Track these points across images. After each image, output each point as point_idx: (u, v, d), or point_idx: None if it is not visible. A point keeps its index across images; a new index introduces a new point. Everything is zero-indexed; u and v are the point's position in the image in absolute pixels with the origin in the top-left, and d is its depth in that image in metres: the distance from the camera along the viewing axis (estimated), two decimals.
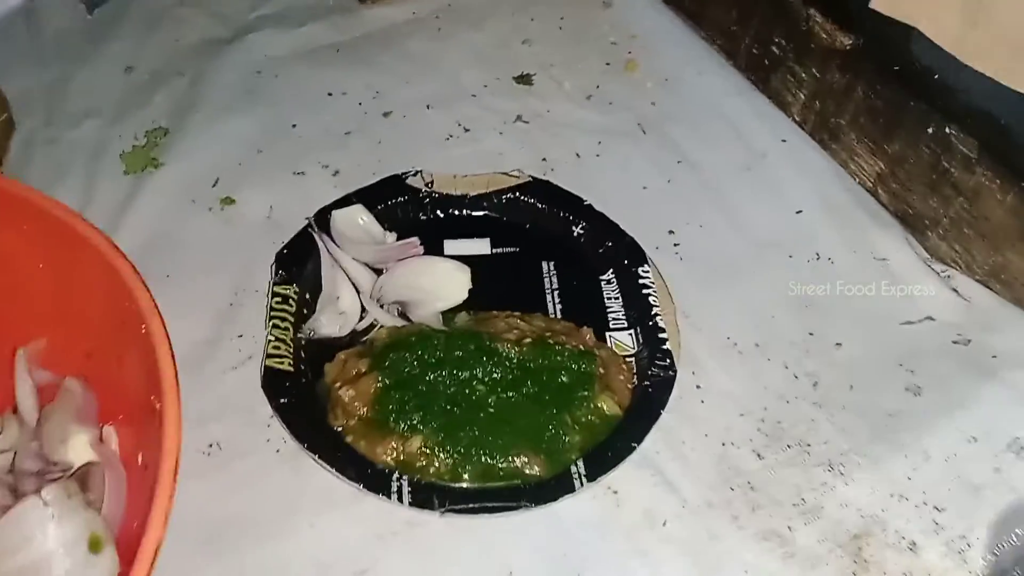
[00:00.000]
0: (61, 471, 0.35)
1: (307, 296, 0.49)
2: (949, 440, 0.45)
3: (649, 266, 0.51)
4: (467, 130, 0.61)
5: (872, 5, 0.51)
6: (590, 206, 0.54)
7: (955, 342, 0.50)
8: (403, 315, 0.49)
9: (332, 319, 0.48)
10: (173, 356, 0.31)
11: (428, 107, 0.62)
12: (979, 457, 0.44)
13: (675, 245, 0.54)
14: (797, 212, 0.57)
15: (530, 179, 0.55)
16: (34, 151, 0.56)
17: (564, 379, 0.45)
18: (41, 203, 0.36)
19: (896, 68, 0.54)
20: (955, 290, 0.52)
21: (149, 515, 0.27)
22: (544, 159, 0.59)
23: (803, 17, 0.59)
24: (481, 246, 0.53)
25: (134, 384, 0.35)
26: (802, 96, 0.61)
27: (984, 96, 0.50)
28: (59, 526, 0.32)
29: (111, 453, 0.36)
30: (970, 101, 0.51)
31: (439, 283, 0.49)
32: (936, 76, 0.53)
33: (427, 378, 0.45)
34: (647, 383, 0.46)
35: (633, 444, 0.44)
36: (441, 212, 0.54)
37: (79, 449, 0.35)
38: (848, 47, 0.57)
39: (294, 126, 0.60)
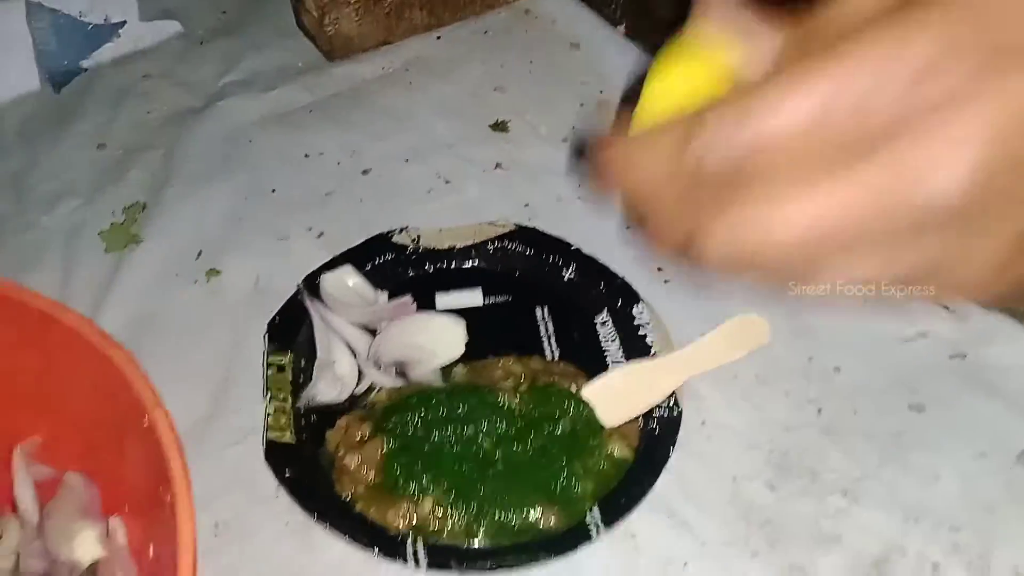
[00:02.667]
0: (68, 571, 0.34)
1: (302, 363, 0.49)
2: (958, 457, 0.45)
3: (642, 305, 0.51)
4: (447, 182, 0.61)
5: None
6: (578, 250, 0.54)
7: (952, 357, 0.50)
8: (401, 374, 0.49)
9: (330, 385, 0.47)
10: (180, 448, 0.31)
11: (406, 161, 0.62)
12: (990, 473, 0.44)
13: (665, 282, 0.54)
14: None
15: (515, 227, 0.55)
16: (7, 238, 0.55)
17: (568, 426, 0.45)
18: (24, 298, 0.36)
19: None
20: (945, 306, 0.53)
21: None
22: (526, 204, 0.59)
23: None
24: (473, 297, 0.53)
25: (138, 476, 0.34)
26: None
27: None
28: None
29: (120, 548, 0.35)
30: None
31: (435, 339, 0.49)
32: None
33: (432, 438, 0.44)
34: (653, 425, 0.46)
35: (646, 488, 0.43)
36: (430, 267, 0.54)
37: (87, 545, 0.34)
38: None
39: (273, 191, 0.59)
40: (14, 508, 0.38)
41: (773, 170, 0.21)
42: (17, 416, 0.38)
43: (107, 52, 0.68)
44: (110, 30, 0.70)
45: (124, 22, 0.70)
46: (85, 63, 0.67)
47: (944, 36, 0.20)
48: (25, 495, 0.37)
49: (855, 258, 0.22)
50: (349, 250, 0.53)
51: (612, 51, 0.71)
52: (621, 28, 0.73)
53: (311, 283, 0.51)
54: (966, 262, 0.22)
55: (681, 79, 0.26)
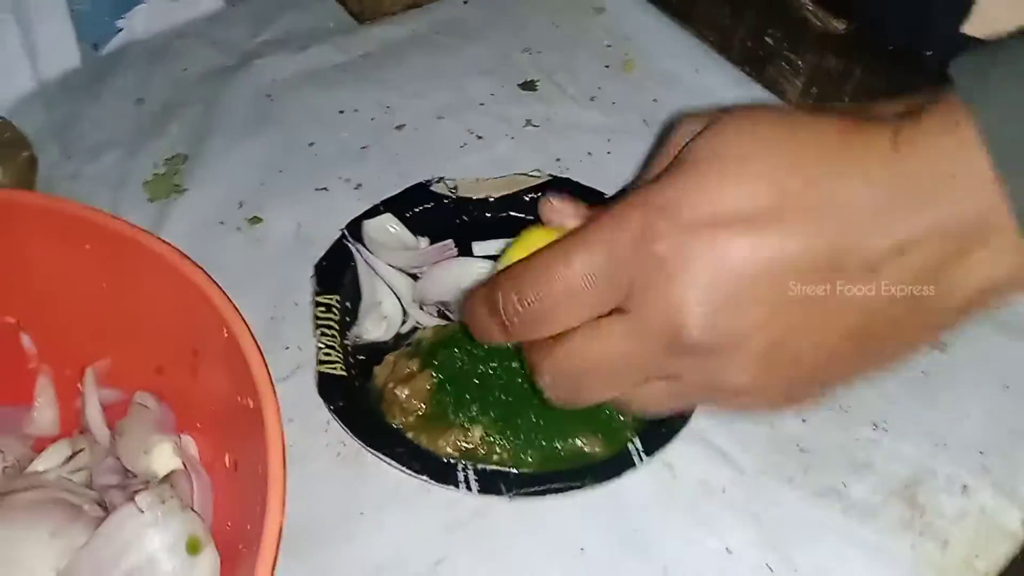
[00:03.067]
0: (143, 481, 0.36)
1: (347, 305, 0.50)
2: (982, 390, 0.47)
3: None
4: (479, 137, 0.62)
5: (966, 30, 0.53)
6: (612, 199, 0.56)
7: None
8: (443, 315, 0.50)
9: (376, 324, 0.49)
10: (262, 354, 0.32)
11: (439, 118, 0.63)
12: (1014, 404, 0.46)
13: None
14: None
15: (550, 177, 0.57)
16: (56, 185, 0.56)
17: None
18: (102, 221, 0.37)
19: (891, 48, 0.57)
20: None
21: (267, 500, 0.28)
22: (558, 159, 0.61)
23: (795, 6, 0.62)
24: (503, 244, 0.54)
25: (214, 390, 0.36)
26: (799, 83, 0.64)
27: None
28: (157, 531, 0.32)
29: (193, 459, 0.36)
30: None
31: (474, 282, 0.51)
32: (930, 53, 0.55)
33: (479, 371, 0.46)
34: None
35: (684, 419, 0.45)
36: (467, 215, 0.55)
37: (163, 458, 0.36)
38: (842, 31, 0.59)
39: (311, 144, 0.61)
40: (81, 431, 0.40)
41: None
42: (86, 340, 0.39)
43: (140, 12, 0.69)
44: None
45: None
46: (120, 23, 0.68)
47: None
48: (95, 414, 0.38)
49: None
50: (389, 198, 0.55)
51: (635, 15, 0.72)
52: None
53: (354, 229, 0.53)
54: None
55: (527, 248, 0.34)
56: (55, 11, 0.66)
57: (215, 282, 0.35)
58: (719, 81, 0.67)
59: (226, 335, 0.33)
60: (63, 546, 0.32)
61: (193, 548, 0.32)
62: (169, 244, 0.36)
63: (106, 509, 0.35)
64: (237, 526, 0.33)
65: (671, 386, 0.33)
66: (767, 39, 0.65)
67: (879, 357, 0.32)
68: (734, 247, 0.29)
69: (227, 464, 0.35)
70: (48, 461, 0.37)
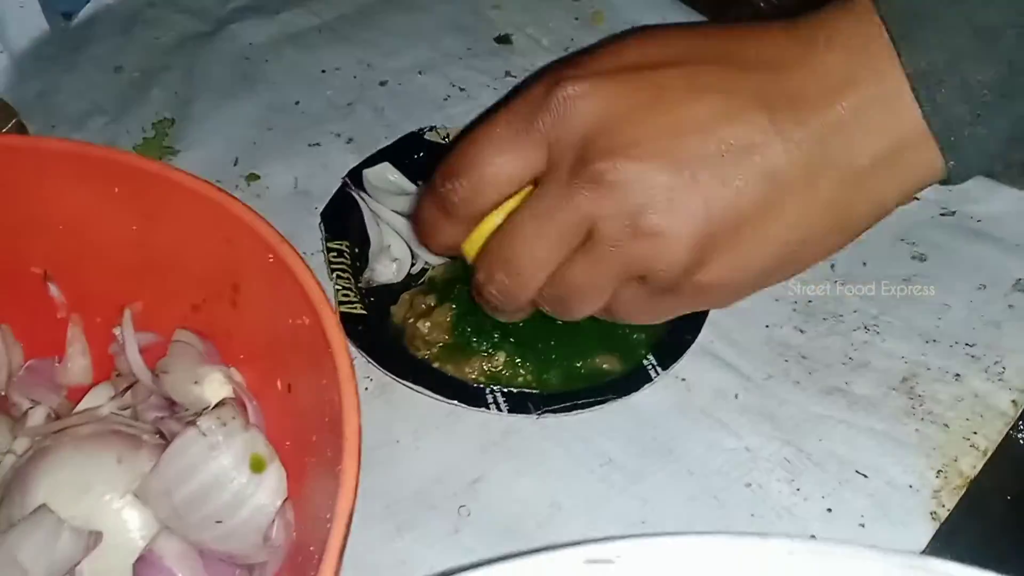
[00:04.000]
0: (194, 412, 0.36)
1: (356, 250, 0.51)
2: (962, 291, 0.50)
3: None
4: (462, 89, 0.64)
5: None
6: None
7: (942, 214, 0.56)
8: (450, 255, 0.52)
9: (387, 266, 0.50)
10: (312, 272, 0.33)
11: (420, 73, 0.64)
12: (992, 299, 0.49)
13: None
14: None
15: None
16: None
17: None
18: (130, 160, 0.37)
19: None
20: None
21: (342, 413, 0.29)
22: None
23: None
24: None
25: (258, 319, 0.37)
26: None
27: None
28: (221, 451, 0.33)
29: (242, 386, 0.37)
30: None
31: None
32: None
33: None
34: None
35: (694, 334, 0.47)
36: None
37: (215, 387, 0.36)
38: None
39: (297, 103, 0.61)
40: (118, 376, 0.40)
41: None
42: (117, 284, 0.39)
43: None
44: None
45: None
46: None
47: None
48: (135, 355, 0.38)
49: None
50: (385, 148, 0.56)
51: None
52: None
53: (354, 178, 0.54)
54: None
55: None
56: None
57: (252, 209, 0.36)
58: None
59: (271, 259, 0.34)
60: (131, 471, 0.33)
61: (257, 465, 0.33)
62: (201, 178, 0.36)
63: (164, 437, 0.35)
64: (299, 442, 0.34)
65: (641, 290, 0.35)
66: None
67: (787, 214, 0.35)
68: (634, 82, 0.33)
69: (279, 388, 0.36)
70: (93, 401, 0.37)
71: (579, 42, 0.68)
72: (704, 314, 0.49)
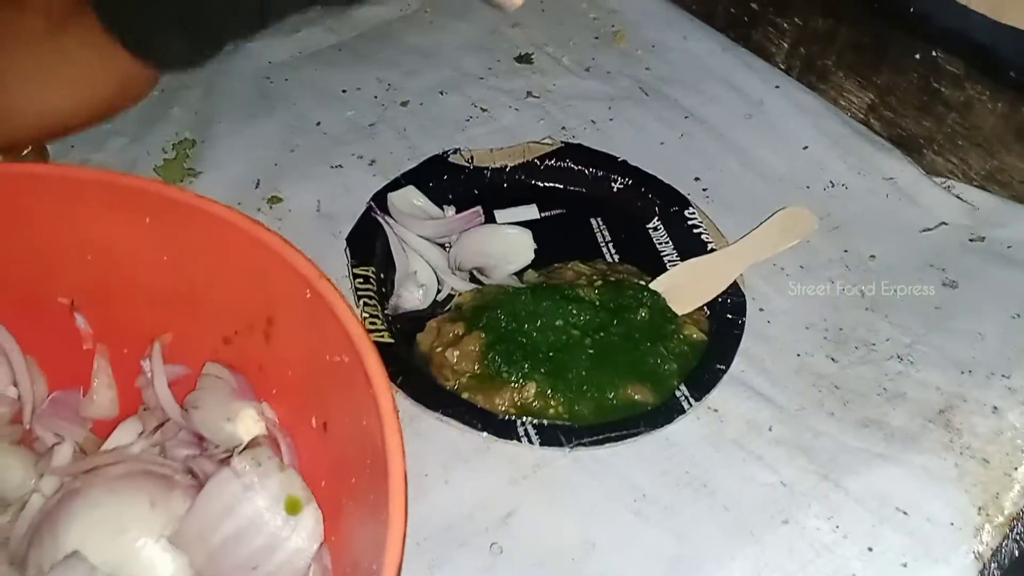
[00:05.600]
0: (226, 450, 0.36)
1: (382, 276, 0.50)
2: (996, 319, 0.50)
3: (694, 208, 0.54)
4: (484, 110, 0.63)
5: None
6: (624, 162, 0.57)
7: (971, 240, 0.55)
8: (476, 281, 0.51)
9: (413, 293, 0.49)
10: (353, 310, 0.33)
11: (442, 93, 0.64)
12: None
13: (704, 190, 0.58)
14: (803, 148, 0.61)
15: (562, 144, 0.58)
16: None
17: (646, 314, 0.48)
18: (163, 191, 0.37)
19: (877, 5, 0.59)
20: (959, 197, 0.58)
21: (386, 458, 0.28)
22: (563, 128, 0.62)
23: None
24: (530, 212, 0.55)
25: (294, 354, 0.36)
26: (785, 45, 0.66)
27: (961, 20, 0.56)
28: (256, 492, 0.32)
29: (274, 423, 0.36)
30: (950, 25, 0.56)
31: (506, 247, 0.52)
32: (912, 9, 0.58)
33: (525, 329, 0.46)
34: (720, 311, 0.50)
35: (726, 363, 0.47)
36: (486, 184, 0.56)
37: (248, 424, 0.36)
38: None
39: (318, 124, 0.61)
40: (145, 409, 0.39)
41: None
42: (145, 316, 0.39)
43: None
44: None
45: None
46: None
47: None
48: (164, 390, 0.38)
49: None
50: (409, 171, 0.55)
51: None
52: None
53: (379, 202, 0.53)
54: None
55: None
56: None
57: (290, 243, 0.35)
58: (706, 47, 0.69)
59: (309, 295, 0.34)
60: (164, 514, 0.32)
61: (293, 507, 0.32)
62: (237, 210, 0.35)
63: (196, 477, 0.35)
64: (336, 483, 0.33)
65: None
66: (751, 4, 0.67)
67: None
68: None
69: (314, 425, 0.35)
70: (122, 439, 0.37)
71: (600, 61, 0.68)
72: (736, 343, 0.48)
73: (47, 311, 0.39)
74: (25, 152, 0.53)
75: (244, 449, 0.34)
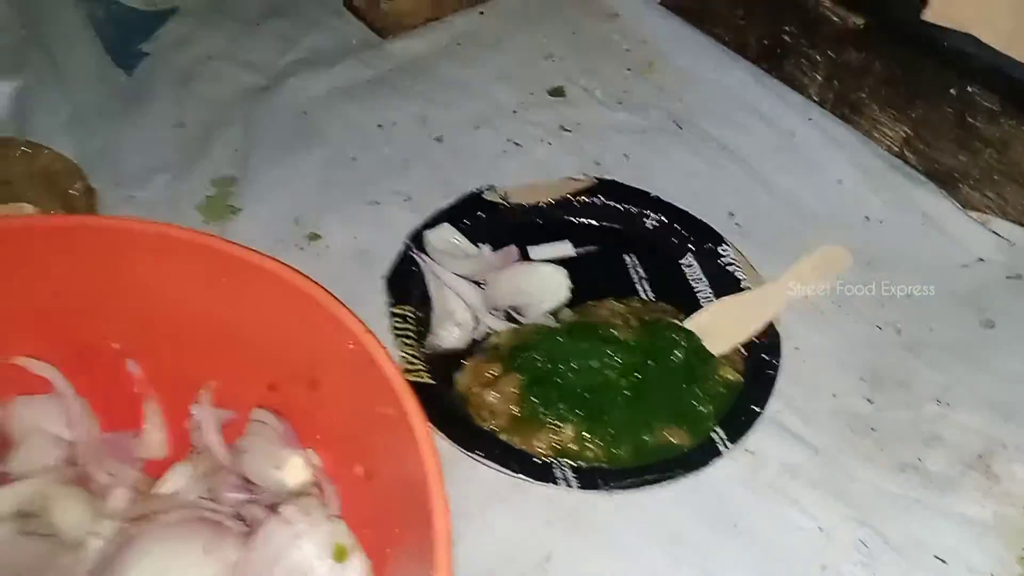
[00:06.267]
0: (274, 495, 0.37)
1: (419, 314, 0.51)
2: None
3: (728, 245, 0.55)
4: (517, 144, 0.64)
5: (926, 17, 0.56)
6: (658, 198, 0.58)
7: (1009, 277, 0.55)
8: (512, 319, 0.52)
9: (450, 332, 0.50)
10: (396, 364, 0.33)
11: (475, 127, 0.65)
12: None
13: (737, 225, 0.58)
14: (838, 182, 0.61)
15: (596, 181, 0.58)
16: (108, 211, 0.56)
17: (681, 355, 0.48)
18: (213, 243, 0.38)
19: (910, 39, 0.59)
20: (996, 232, 0.57)
21: (432, 512, 0.29)
22: (597, 163, 0.62)
23: (811, 4, 0.64)
24: (564, 249, 0.56)
25: (338, 403, 0.37)
26: (819, 77, 0.66)
27: (996, 56, 0.56)
28: (305, 540, 0.33)
29: (320, 470, 0.37)
30: (984, 61, 0.56)
31: (542, 285, 0.52)
32: (946, 44, 0.58)
33: (561, 371, 0.47)
34: (755, 352, 0.50)
35: (761, 405, 0.47)
36: (521, 221, 0.57)
37: (295, 470, 0.36)
38: (861, 26, 0.62)
39: (354, 159, 0.62)
40: (194, 451, 0.40)
41: None
42: (194, 362, 0.40)
43: (165, 36, 0.69)
44: (163, 16, 0.71)
45: (175, 9, 0.72)
46: (146, 47, 0.68)
47: None
48: (213, 434, 0.39)
49: None
50: (445, 209, 0.56)
51: (650, 18, 0.74)
52: None
53: (415, 240, 0.54)
54: None
55: None
56: (83, 39, 0.66)
57: (334, 296, 0.36)
58: (738, 78, 0.69)
59: (353, 347, 0.34)
60: (217, 562, 0.33)
61: (340, 555, 0.33)
62: (283, 262, 0.36)
63: (244, 522, 0.35)
64: (380, 531, 0.34)
65: None
66: (784, 36, 0.67)
67: None
68: None
69: (358, 473, 0.36)
70: (174, 483, 0.38)
71: (633, 93, 0.69)
72: (771, 384, 0.48)
73: (100, 356, 0.40)
74: (74, 189, 0.55)
75: (292, 497, 0.35)
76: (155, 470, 0.40)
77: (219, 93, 0.66)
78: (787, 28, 0.67)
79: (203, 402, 0.39)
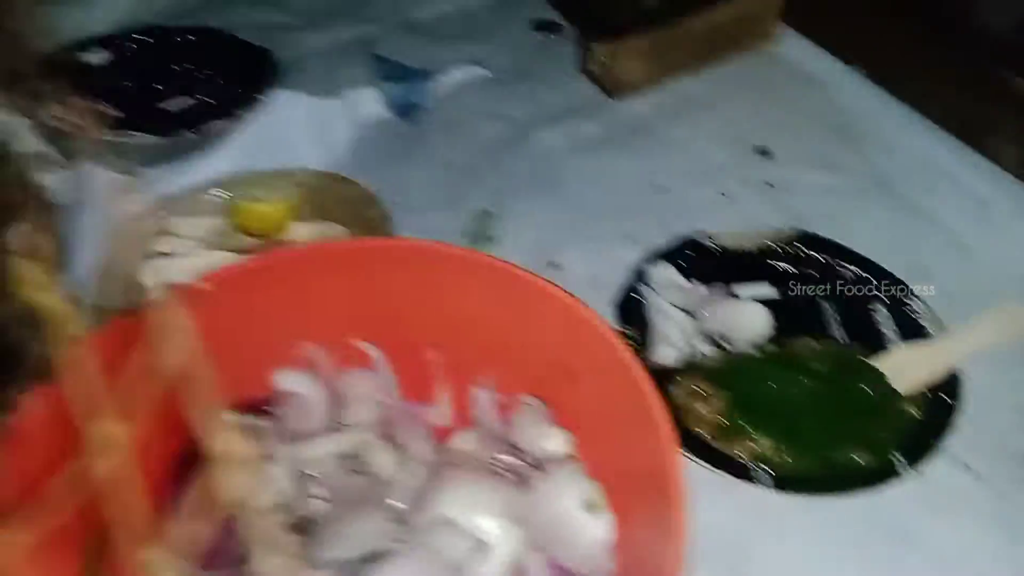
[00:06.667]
0: (533, 459, 0.48)
1: (640, 335, 0.62)
2: None
3: (916, 296, 0.62)
4: (728, 197, 0.73)
5: None
6: (853, 251, 0.66)
7: None
8: (719, 346, 0.61)
9: (667, 352, 0.61)
10: (646, 372, 0.44)
11: (690, 180, 0.75)
12: None
13: (927, 280, 0.65)
14: None
15: (797, 233, 0.67)
16: (402, 234, 0.70)
17: (869, 389, 0.56)
18: (507, 268, 0.50)
19: None
20: None
21: (668, 474, 0.39)
22: (797, 216, 0.71)
23: (1009, 81, 0.70)
24: (767, 290, 0.65)
25: (594, 396, 0.48)
26: (1015, 150, 0.72)
27: None
28: (568, 491, 0.44)
29: (575, 447, 0.49)
30: None
31: (747, 320, 0.62)
32: None
33: (762, 392, 0.56)
34: (937, 392, 0.57)
35: (939, 439, 0.54)
36: (729, 263, 0.66)
37: (558, 441, 0.48)
38: None
39: (591, 203, 0.73)
40: (472, 424, 0.53)
41: None
42: (480, 354, 0.52)
43: (433, 91, 0.85)
44: (431, 74, 0.87)
45: (442, 69, 0.87)
46: (416, 99, 0.84)
47: None
48: (489, 409, 0.51)
49: None
50: (664, 249, 0.67)
51: (854, 88, 0.82)
52: (858, 69, 0.84)
53: (639, 274, 0.65)
54: None
55: None
56: (369, 91, 0.82)
57: (601, 316, 0.47)
58: (939, 147, 0.76)
59: (609, 354, 0.45)
60: (503, 499, 0.45)
61: (593, 507, 0.44)
62: (561, 288, 0.48)
63: (519, 477, 0.47)
64: (622, 498, 0.45)
65: None
66: (983, 110, 0.73)
67: None
68: None
69: (607, 455, 0.47)
70: (461, 444, 0.50)
71: (835, 157, 0.77)
72: (949, 422, 0.55)
73: (408, 344, 0.54)
74: (372, 215, 0.70)
75: (555, 462, 0.47)
76: (439, 435, 0.53)
77: (479, 141, 0.80)
78: (986, 102, 0.73)
79: (483, 385, 0.51)
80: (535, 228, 0.71)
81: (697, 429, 0.56)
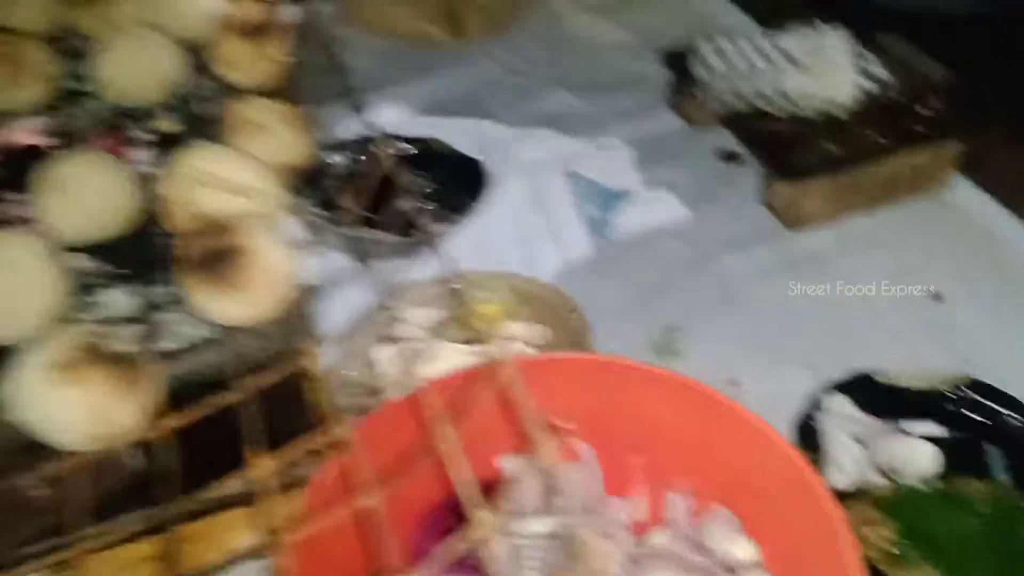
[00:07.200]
0: (723, 564, 0.56)
1: (814, 458, 0.68)
2: None
3: None
4: (898, 336, 0.79)
5: None
6: (1020, 401, 0.70)
7: None
8: (887, 477, 0.67)
9: (837, 477, 0.67)
10: (835, 499, 0.51)
11: (862, 315, 0.82)
12: None
13: None
14: None
15: (970, 380, 0.72)
16: (595, 343, 0.80)
17: None
18: (698, 387, 0.58)
19: None
20: None
21: None
22: (966, 360, 0.76)
23: None
24: (934, 428, 0.70)
25: (779, 513, 0.55)
26: None
27: None
28: None
29: (761, 558, 0.56)
30: None
31: (915, 455, 0.67)
32: None
33: (930, 526, 0.62)
34: None
35: None
36: (899, 400, 0.72)
37: (746, 549, 0.55)
38: None
39: (768, 327, 0.81)
40: (662, 523, 0.61)
41: None
42: (676, 462, 0.60)
43: (625, 215, 0.95)
44: (622, 194, 0.97)
45: (631, 190, 0.97)
46: (613, 221, 0.94)
47: None
48: (682, 512, 0.59)
49: None
50: (841, 383, 0.73)
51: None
52: None
53: (815, 402, 0.72)
54: None
55: None
56: (571, 214, 0.93)
57: (784, 438, 0.54)
58: None
59: (794, 475, 0.53)
60: None
61: None
62: (744, 408, 0.56)
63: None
64: None
65: None
66: None
67: None
68: None
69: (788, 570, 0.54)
70: (657, 539, 0.58)
71: (1005, 302, 0.82)
72: None
73: (613, 447, 0.63)
74: (571, 318, 0.80)
75: (743, 567, 0.54)
76: (636, 530, 0.61)
77: (665, 259, 0.89)
78: None
79: (677, 489, 0.60)
80: (717, 345, 0.79)
81: (868, 553, 0.62)
